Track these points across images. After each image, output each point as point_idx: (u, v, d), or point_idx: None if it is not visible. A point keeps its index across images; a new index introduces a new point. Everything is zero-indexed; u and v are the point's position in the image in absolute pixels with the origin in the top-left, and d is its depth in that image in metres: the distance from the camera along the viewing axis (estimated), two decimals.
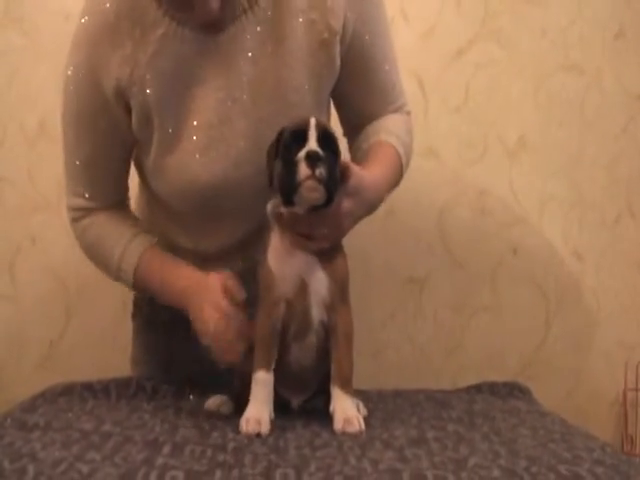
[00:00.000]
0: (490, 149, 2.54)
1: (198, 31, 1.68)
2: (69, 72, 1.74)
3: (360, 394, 1.72)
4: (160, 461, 1.29)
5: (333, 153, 1.48)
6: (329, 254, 1.57)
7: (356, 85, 1.86)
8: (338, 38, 1.75)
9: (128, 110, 1.73)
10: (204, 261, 1.82)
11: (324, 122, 1.54)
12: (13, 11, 2.45)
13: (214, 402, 1.70)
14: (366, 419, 1.59)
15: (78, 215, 1.84)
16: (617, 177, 2.62)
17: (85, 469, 1.24)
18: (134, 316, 2.10)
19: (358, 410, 1.63)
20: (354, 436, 1.47)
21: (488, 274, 2.54)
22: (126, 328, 2.09)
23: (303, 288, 1.56)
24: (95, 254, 1.86)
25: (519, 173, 2.55)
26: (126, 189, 1.90)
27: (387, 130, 1.86)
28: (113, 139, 1.78)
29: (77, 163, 1.79)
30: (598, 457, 1.34)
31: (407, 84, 2.41)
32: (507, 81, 2.57)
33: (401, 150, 1.84)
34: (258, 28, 1.72)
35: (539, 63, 2.58)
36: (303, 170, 1.44)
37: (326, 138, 1.48)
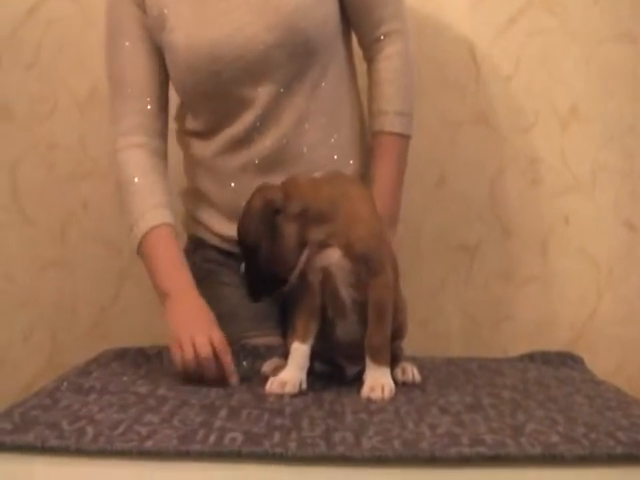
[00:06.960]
0: (542, 118, 2.51)
1: None
2: None
3: (413, 361, 1.73)
4: (218, 424, 1.30)
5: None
6: (344, 232, 1.55)
7: None
8: None
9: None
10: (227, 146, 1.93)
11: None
12: None
13: (270, 366, 1.71)
14: (421, 385, 1.62)
15: (125, 143, 1.95)
16: None
17: (144, 431, 1.26)
18: None
19: (413, 376, 1.65)
20: (410, 401, 1.48)
21: (539, 243, 2.51)
22: None
23: (328, 274, 1.57)
24: (123, 196, 1.92)
25: (571, 142, 2.51)
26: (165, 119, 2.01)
27: (381, 109, 1.95)
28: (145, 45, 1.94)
29: (129, 91, 1.96)
30: None
31: (458, 52, 2.42)
32: (559, 50, 2.53)
33: (399, 126, 1.93)
34: None
35: (591, 31, 2.53)
36: None
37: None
